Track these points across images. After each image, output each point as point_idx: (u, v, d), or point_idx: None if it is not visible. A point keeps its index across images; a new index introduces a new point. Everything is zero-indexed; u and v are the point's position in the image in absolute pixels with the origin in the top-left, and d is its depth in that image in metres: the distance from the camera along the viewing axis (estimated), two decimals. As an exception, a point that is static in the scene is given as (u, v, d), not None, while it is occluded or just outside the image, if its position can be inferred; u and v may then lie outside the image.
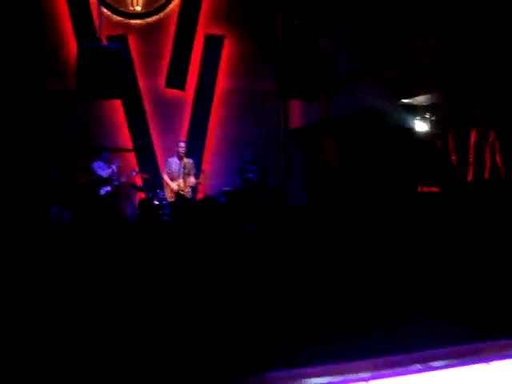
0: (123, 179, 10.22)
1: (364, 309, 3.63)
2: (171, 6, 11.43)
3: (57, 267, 4.12)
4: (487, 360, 2.91)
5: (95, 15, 10.81)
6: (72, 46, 10.85)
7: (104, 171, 9.96)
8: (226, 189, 10.59)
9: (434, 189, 8.67)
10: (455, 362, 2.84)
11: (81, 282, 3.86)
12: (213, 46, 11.49)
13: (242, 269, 4.24)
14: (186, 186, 9.83)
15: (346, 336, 3.21)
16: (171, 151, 10.23)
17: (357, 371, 2.79)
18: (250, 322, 3.47)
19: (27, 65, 10.12)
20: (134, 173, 10.51)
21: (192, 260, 4.35)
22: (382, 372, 2.78)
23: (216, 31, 11.51)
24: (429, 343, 3.02)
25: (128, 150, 10.80)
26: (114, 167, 10.08)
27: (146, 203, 6.83)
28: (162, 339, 3.34)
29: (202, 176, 10.27)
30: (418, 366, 2.82)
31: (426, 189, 8.82)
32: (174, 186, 9.80)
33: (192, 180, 9.94)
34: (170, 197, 9.86)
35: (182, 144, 9.94)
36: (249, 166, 10.49)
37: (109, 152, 10.26)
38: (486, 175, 7.35)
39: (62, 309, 3.53)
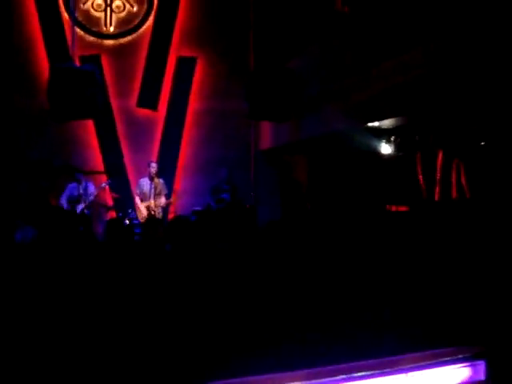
0: (95, 192, 10.17)
1: (316, 322, 3.72)
2: (144, 27, 11.56)
3: (22, 286, 4.14)
4: (406, 371, 3.11)
5: (68, 35, 10.88)
6: (44, 65, 10.91)
7: (75, 191, 9.96)
8: (198, 208, 10.64)
9: (402, 208, 8.82)
10: (377, 372, 3.02)
11: (47, 300, 3.88)
12: (185, 67, 11.61)
13: (214, 285, 4.30)
14: (156, 207, 9.83)
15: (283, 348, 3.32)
16: (143, 171, 10.28)
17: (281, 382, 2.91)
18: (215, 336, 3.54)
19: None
20: (104, 184, 10.47)
21: (162, 279, 4.40)
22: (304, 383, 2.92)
23: (188, 53, 11.64)
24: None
25: (100, 172, 10.79)
26: (86, 185, 10.07)
27: (115, 222, 6.85)
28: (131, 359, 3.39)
29: (173, 196, 10.30)
30: (343, 377, 2.97)
31: (394, 208, 8.98)
32: (142, 208, 9.81)
33: (162, 200, 9.95)
34: (141, 218, 9.86)
35: (154, 164, 9.97)
36: (223, 186, 10.49)
37: (81, 173, 10.25)
38: (453, 195, 7.51)
39: (26, 327, 3.55)
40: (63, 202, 9.91)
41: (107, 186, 10.67)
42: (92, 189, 10.10)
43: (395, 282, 4.58)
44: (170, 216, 10.60)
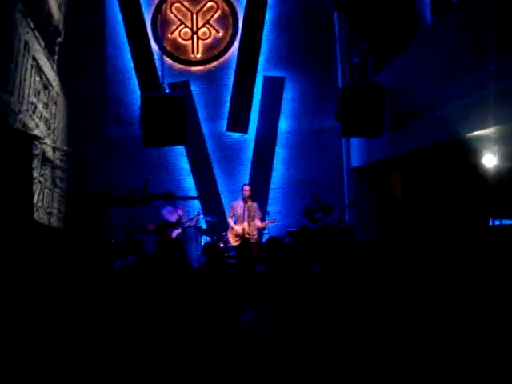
0: (190, 222, 10.35)
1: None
2: (230, 51, 11.68)
3: (121, 311, 4.17)
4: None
5: (157, 64, 11.18)
6: (135, 94, 11.28)
7: (172, 216, 10.15)
8: (292, 229, 10.51)
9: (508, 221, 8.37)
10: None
11: (146, 325, 3.87)
12: (273, 87, 11.60)
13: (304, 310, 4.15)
14: (251, 230, 9.74)
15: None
16: (235, 194, 10.28)
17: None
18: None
19: (88, 111, 10.45)
20: (197, 214, 10.60)
21: (255, 300, 4.30)
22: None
23: (276, 73, 11.63)
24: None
25: (193, 198, 10.93)
26: (180, 211, 10.25)
27: (211, 247, 6.84)
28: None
29: (269, 222, 10.18)
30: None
31: (499, 221, 8.53)
32: (238, 229, 9.74)
33: (258, 223, 9.86)
34: (234, 241, 9.80)
35: (247, 187, 9.91)
36: (313, 205, 10.28)
37: (176, 199, 10.44)
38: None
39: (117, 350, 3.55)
40: (169, 218, 10.15)
41: (200, 212, 10.81)
42: (186, 217, 10.32)
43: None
44: (265, 238, 10.54)
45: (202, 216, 10.75)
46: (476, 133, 6.18)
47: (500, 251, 6.28)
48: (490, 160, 7.61)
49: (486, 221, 8.83)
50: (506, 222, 8.45)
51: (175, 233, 10.07)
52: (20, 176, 5.64)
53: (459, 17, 6.29)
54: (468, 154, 7.80)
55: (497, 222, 8.66)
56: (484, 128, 5.82)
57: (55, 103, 6.98)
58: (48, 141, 6.43)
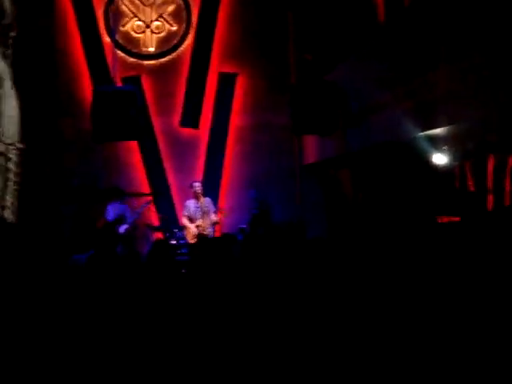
0: (137, 213, 10.15)
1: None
2: (184, 45, 11.57)
3: (73, 307, 4.12)
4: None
5: (110, 57, 10.97)
6: (87, 88, 11.01)
7: (116, 211, 9.94)
8: (243, 226, 10.54)
9: (454, 218, 8.55)
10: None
11: (95, 321, 3.84)
12: (226, 83, 11.57)
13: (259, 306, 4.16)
14: (206, 226, 9.74)
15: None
16: (188, 190, 10.20)
17: None
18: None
19: (40, 104, 10.19)
20: (144, 205, 10.43)
21: (210, 298, 4.29)
22: None
23: (229, 69, 11.60)
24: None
25: (145, 195, 10.77)
26: (126, 206, 10.06)
27: (161, 243, 6.79)
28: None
29: (219, 214, 10.20)
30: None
31: (445, 219, 8.70)
32: (193, 228, 9.72)
33: (213, 217, 9.88)
34: (190, 238, 9.78)
35: (197, 184, 9.89)
36: (252, 207, 10.44)
37: (126, 195, 10.25)
38: (506, 202, 7.24)
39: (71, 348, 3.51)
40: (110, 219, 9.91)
41: (151, 207, 10.67)
42: (129, 211, 10.07)
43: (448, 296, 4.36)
44: (217, 234, 10.50)
45: (146, 204, 10.54)
46: (426, 132, 6.31)
47: (448, 246, 6.42)
48: (439, 159, 7.77)
49: (434, 218, 9.02)
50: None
51: (123, 228, 9.88)
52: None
53: (411, 20, 6.41)
54: (418, 152, 7.95)
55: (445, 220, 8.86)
56: (433, 128, 5.95)
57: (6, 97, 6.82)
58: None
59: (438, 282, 4.99)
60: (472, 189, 7.90)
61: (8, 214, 6.74)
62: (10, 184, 6.61)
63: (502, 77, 4.65)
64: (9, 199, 6.59)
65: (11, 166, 6.16)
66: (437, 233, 8.03)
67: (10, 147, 6.34)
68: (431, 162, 7.89)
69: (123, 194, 10.07)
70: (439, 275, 5.26)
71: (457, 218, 8.43)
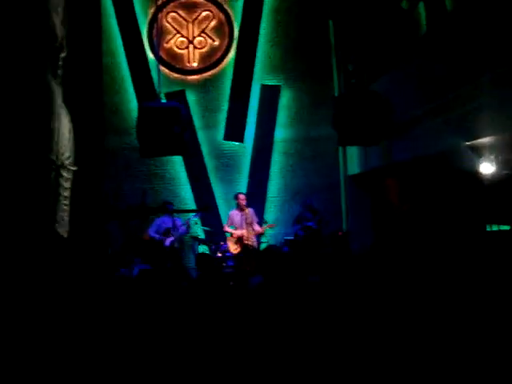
0: (183, 227, 10.26)
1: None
2: (226, 59, 11.68)
3: (123, 321, 4.18)
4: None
5: (154, 73, 11.15)
6: (134, 104, 11.21)
7: (163, 225, 10.07)
8: (289, 238, 10.52)
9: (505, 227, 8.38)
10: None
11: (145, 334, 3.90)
12: (269, 95, 11.61)
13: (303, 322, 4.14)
14: (250, 236, 9.79)
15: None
16: (233, 203, 10.26)
17: None
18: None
19: (87, 123, 10.37)
20: (190, 218, 10.54)
21: (254, 314, 4.30)
22: None
23: (272, 81, 11.65)
24: None
25: (192, 211, 10.85)
26: (174, 219, 10.18)
27: (204, 257, 6.83)
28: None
29: (267, 226, 10.26)
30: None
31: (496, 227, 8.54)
32: (238, 232, 9.79)
33: (257, 228, 9.95)
34: (233, 249, 9.83)
35: (241, 196, 9.97)
36: (305, 214, 10.41)
37: (174, 212, 10.36)
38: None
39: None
40: (153, 234, 10.04)
41: (194, 220, 10.78)
42: (179, 222, 10.19)
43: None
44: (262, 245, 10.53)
45: (193, 220, 10.68)
46: (473, 141, 6.21)
47: (497, 255, 6.29)
48: (487, 168, 7.62)
49: (483, 226, 8.85)
50: (504, 227, 8.48)
51: (168, 241, 9.99)
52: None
53: (452, 28, 6.33)
54: (465, 162, 7.82)
55: (494, 228, 8.69)
56: (481, 137, 5.84)
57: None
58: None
59: (487, 291, 4.89)
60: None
61: (60, 229, 6.89)
62: (62, 199, 6.76)
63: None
64: (60, 215, 6.74)
65: (63, 182, 6.31)
66: (487, 241, 7.89)
67: (64, 165, 6.51)
68: (479, 171, 7.74)
69: (171, 211, 10.18)
70: (489, 283, 5.16)
71: (506, 227, 8.27)
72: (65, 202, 5.52)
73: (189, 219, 10.49)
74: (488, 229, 8.75)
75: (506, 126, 5.33)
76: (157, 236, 9.95)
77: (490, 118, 5.51)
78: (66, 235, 5.20)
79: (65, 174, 5.41)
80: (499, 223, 8.54)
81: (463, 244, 8.21)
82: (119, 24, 11.45)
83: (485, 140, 6.07)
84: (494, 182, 7.84)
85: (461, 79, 6.06)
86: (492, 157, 7.28)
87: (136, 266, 8.79)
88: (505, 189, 7.92)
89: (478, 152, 7.07)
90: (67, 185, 5.53)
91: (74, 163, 5.41)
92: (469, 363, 3.50)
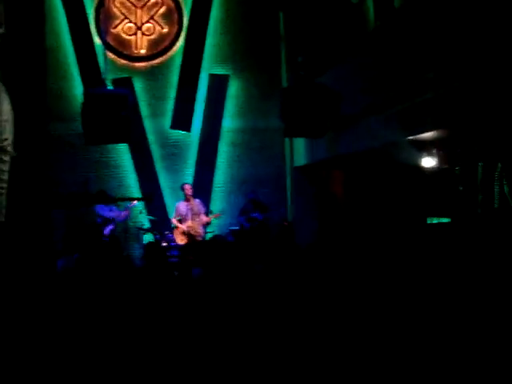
0: (124, 213, 10.16)
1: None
2: (175, 47, 11.57)
3: (63, 314, 4.12)
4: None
5: (100, 59, 10.95)
6: (79, 89, 10.98)
7: (107, 212, 9.96)
8: (234, 228, 10.55)
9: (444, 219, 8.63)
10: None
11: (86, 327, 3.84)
12: (217, 85, 11.56)
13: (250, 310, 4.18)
14: (196, 226, 9.79)
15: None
16: (179, 192, 10.21)
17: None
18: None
19: (29, 107, 10.13)
20: (130, 204, 10.42)
21: (201, 302, 4.31)
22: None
23: (220, 71, 11.61)
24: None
25: (135, 199, 10.69)
26: (113, 207, 10.08)
27: (152, 246, 6.80)
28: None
29: (213, 216, 10.30)
30: None
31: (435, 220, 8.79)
32: (184, 226, 9.76)
33: (204, 218, 9.96)
34: (180, 239, 9.81)
35: (187, 186, 9.95)
36: (250, 205, 10.49)
37: (116, 201, 10.26)
38: (496, 205, 7.30)
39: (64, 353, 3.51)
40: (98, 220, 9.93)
41: (139, 209, 10.69)
42: (116, 211, 10.10)
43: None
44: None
45: (137, 209, 10.59)
46: (415, 136, 6.36)
47: (437, 247, 6.48)
48: (427, 162, 7.84)
49: (423, 219, 9.10)
50: (443, 220, 8.73)
51: (108, 229, 9.89)
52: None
53: (399, 24, 6.46)
54: (407, 156, 8.01)
55: (434, 221, 8.95)
56: (422, 132, 6.00)
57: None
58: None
59: (429, 281, 5.04)
60: (462, 191, 7.96)
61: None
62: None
63: (488, 86, 4.70)
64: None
65: (1, 165, 6.12)
66: (427, 233, 8.11)
67: (3, 148, 6.30)
68: (420, 165, 7.94)
69: (113, 200, 10.07)
70: (430, 274, 5.32)
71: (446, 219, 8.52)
72: (2, 184, 5.36)
73: (128, 206, 10.36)
74: (428, 221, 9.02)
75: (445, 121, 5.49)
76: (107, 214, 9.87)
77: (431, 114, 5.67)
78: (2, 219, 5.06)
79: (3, 156, 5.24)
80: (439, 216, 8.79)
81: (404, 236, 8.42)
82: (65, 6, 11.16)
83: (426, 135, 6.24)
84: (434, 176, 8.07)
85: (405, 75, 6.20)
86: (432, 151, 7.50)
87: (76, 255, 8.65)
88: (444, 183, 8.17)
89: (419, 146, 7.27)
90: (5, 167, 5.36)
91: (15, 148, 5.25)
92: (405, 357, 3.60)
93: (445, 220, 8.60)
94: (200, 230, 9.89)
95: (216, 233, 10.34)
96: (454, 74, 5.19)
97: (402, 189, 9.34)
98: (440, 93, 5.43)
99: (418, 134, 6.19)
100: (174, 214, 10.11)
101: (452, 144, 7.33)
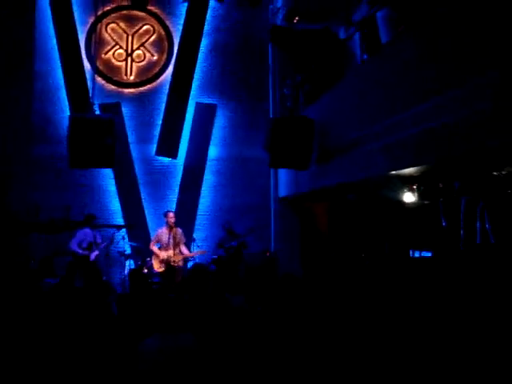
0: (104, 243, 10.07)
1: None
2: (164, 75, 11.66)
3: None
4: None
5: (89, 84, 11.01)
6: (65, 112, 11.01)
7: (87, 238, 9.83)
8: (215, 257, 10.52)
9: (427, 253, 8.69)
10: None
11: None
12: (205, 114, 11.64)
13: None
14: (177, 258, 9.68)
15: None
16: (162, 219, 10.18)
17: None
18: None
19: (13, 128, 10.16)
20: (112, 233, 10.35)
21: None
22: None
23: (208, 100, 11.69)
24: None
25: (117, 226, 10.60)
26: (95, 233, 9.97)
27: (136, 273, 6.78)
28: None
29: (198, 252, 10.26)
30: None
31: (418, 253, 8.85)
32: (164, 255, 9.66)
33: (185, 252, 9.85)
34: (158, 267, 9.71)
35: (171, 214, 9.85)
36: (226, 237, 10.47)
37: (99, 227, 10.18)
38: (477, 240, 7.35)
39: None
40: (74, 247, 9.73)
41: (122, 235, 10.63)
42: (99, 237, 10.00)
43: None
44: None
45: (118, 235, 10.51)
46: (398, 171, 6.42)
47: (419, 280, 6.50)
48: (409, 197, 7.91)
49: (406, 252, 9.14)
50: (425, 253, 8.78)
51: (93, 255, 9.80)
52: None
53: (385, 59, 6.55)
54: (390, 190, 8.06)
55: (416, 254, 8.99)
56: (401, 168, 6.08)
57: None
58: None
59: (410, 313, 5.05)
60: (444, 226, 8.02)
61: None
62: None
63: (467, 123, 4.77)
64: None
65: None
66: (409, 267, 8.13)
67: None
68: (404, 199, 8.00)
69: (97, 226, 10.02)
70: (412, 306, 5.33)
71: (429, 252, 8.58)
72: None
73: (113, 234, 10.30)
74: (411, 255, 9.06)
75: (427, 157, 5.56)
76: (79, 251, 9.68)
77: (414, 149, 5.74)
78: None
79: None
80: (421, 249, 8.85)
81: (387, 268, 8.44)
82: (56, 29, 11.26)
83: (408, 170, 6.31)
84: (417, 210, 8.13)
85: (389, 110, 6.27)
86: (414, 186, 7.56)
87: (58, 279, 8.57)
88: (425, 217, 8.23)
89: (401, 181, 7.33)
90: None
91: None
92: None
93: (427, 254, 8.66)
94: (180, 261, 9.76)
95: (197, 261, 10.28)
96: (434, 110, 5.26)
97: (386, 221, 9.40)
98: (423, 128, 5.49)
99: (401, 168, 6.25)
100: (152, 238, 10.03)
101: (434, 179, 7.41)
